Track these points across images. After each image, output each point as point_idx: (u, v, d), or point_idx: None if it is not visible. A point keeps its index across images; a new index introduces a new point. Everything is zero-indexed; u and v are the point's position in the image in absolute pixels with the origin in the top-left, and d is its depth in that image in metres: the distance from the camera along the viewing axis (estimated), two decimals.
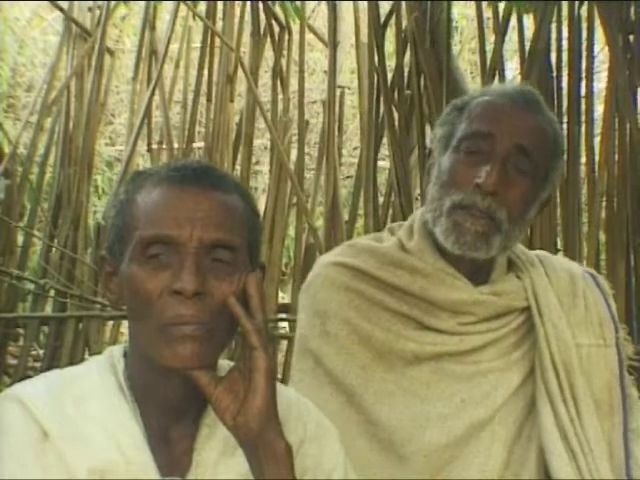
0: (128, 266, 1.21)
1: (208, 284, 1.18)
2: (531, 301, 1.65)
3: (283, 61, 4.39)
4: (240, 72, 4.25)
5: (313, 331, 1.64)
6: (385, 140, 3.80)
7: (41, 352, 4.15)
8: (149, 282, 1.19)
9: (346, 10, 4.73)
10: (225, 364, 1.30)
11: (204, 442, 1.25)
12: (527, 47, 3.53)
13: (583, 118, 3.49)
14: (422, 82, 3.62)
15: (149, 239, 1.20)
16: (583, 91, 3.52)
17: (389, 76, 3.77)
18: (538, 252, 1.79)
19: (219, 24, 4.36)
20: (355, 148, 6.40)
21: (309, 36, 4.83)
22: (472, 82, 6.34)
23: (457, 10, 5.89)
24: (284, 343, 3.99)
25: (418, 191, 3.76)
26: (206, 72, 4.32)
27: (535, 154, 1.58)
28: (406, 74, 3.72)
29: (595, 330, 1.67)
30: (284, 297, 5.03)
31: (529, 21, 3.75)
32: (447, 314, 1.62)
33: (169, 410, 1.26)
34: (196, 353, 1.18)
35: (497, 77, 3.51)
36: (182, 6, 4.42)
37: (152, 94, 4.30)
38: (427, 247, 1.63)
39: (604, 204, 3.48)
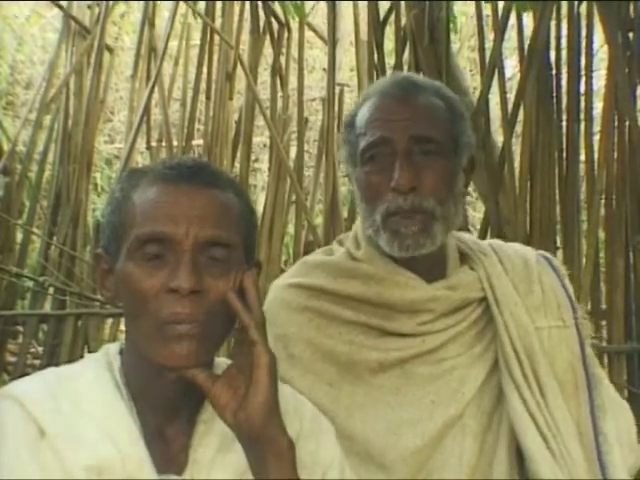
0: (124, 264, 1.21)
1: (204, 282, 1.19)
2: (487, 291, 1.66)
3: (282, 59, 4.38)
4: (239, 70, 4.24)
5: (277, 356, 1.63)
6: None
7: (40, 350, 4.15)
8: (146, 281, 1.19)
9: (345, 8, 4.72)
10: (222, 362, 1.30)
11: (200, 439, 1.25)
12: (526, 45, 3.53)
13: (582, 116, 3.49)
14: None
15: (145, 237, 1.20)
16: (582, 89, 3.52)
17: (388, 74, 3.76)
18: (491, 241, 1.80)
19: (218, 22, 4.35)
20: None
21: (308, 34, 4.82)
22: (471, 80, 6.34)
23: (456, 8, 5.87)
24: None
25: None
26: (205, 70, 4.32)
27: (433, 134, 1.58)
28: (405, 72, 3.71)
29: (553, 312, 1.68)
30: None
31: (528, 19, 3.75)
32: (406, 315, 1.62)
33: (165, 407, 1.26)
34: (192, 352, 1.18)
35: (496, 75, 3.51)
36: (181, 4, 4.41)
37: (151, 92, 4.30)
38: (375, 253, 1.64)
39: (603, 202, 3.47)
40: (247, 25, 4.33)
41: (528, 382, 1.60)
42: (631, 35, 3.47)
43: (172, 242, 1.19)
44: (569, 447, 1.58)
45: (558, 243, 3.55)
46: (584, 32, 3.53)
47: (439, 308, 1.63)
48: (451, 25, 3.70)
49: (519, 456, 1.61)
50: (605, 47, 3.88)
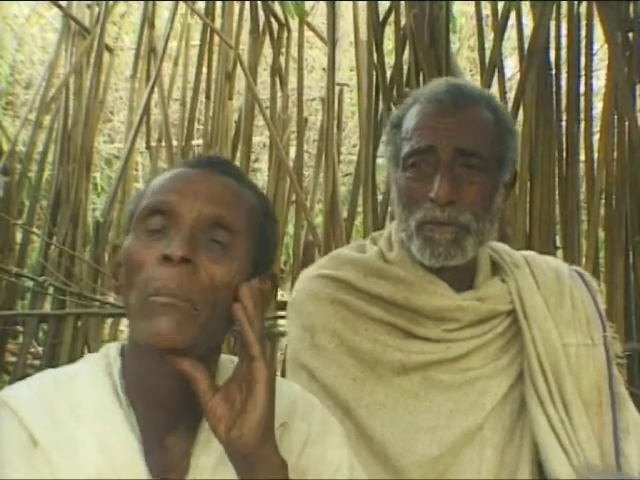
0: (129, 241, 1.19)
1: (199, 259, 1.15)
2: (516, 304, 1.64)
3: (282, 59, 4.39)
4: (239, 70, 4.25)
5: (303, 345, 1.63)
6: (384, 138, 3.79)
7: (40, 349, 4.15)
8: (143, 252, 1.16)
9: (345, 8, 4.72)
10: (227, 360, 1.27)
11: (202, 447, 1.21)
12: (526, 45, 3.53)
13: (582, 116, 3.49)
14: (421, 80, 3.62)
15: (150, 206, 1.18)
16: (582, 89, 3.52)
17: (388, 73, 3.76)
18: (525, 252, 1.78)
19: (218, 22, 4.35)
20: (354, 145, 6.39)
21: (308, 33, 4.82)
22: (471, 80, 6.33)
23: (456, 8, 5.88)
24: (283, 340, 3.99)
25: None
26: (205, 70, 4.32)
27: (479, 149, 1.56)
28: (405, 71, 3.72)
29: (583, 329, 1.66)
30: (283, 294, 5.04)
31: (528, 19, 3.75)
32: (432, 322, 1.62)
33: (166, 413, 1.22)
34: (175, 325, 1.13)
35: (496, 74, 3.51)
36: (181, 4, 4.41)
37: (151, 92, 4.30)
38: (407, 257, 1.63)
39: (603, 202, 3.48)
40: (247, 25, 4.33)
41: (553, 398, 1.58)
42: (631, 35, 3.47)
43: (175, 214, 1.17)
44: None
45: (558, 243, 3.55)
46: (584, 32, 3.53)
47: (466, 318, 1.62)
48: (450, 25, 3.70)
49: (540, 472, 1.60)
50: (605, 47, 3.89)
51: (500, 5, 3.65)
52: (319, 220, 4.51)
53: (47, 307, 4.15)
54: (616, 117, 3.43)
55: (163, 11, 4.92)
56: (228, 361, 1.26)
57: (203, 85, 4.35)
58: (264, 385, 1.13)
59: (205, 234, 1.17)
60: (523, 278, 1.67)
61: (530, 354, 1.61)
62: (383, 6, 3.83)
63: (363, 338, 1.62)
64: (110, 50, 4.65)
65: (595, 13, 3.49)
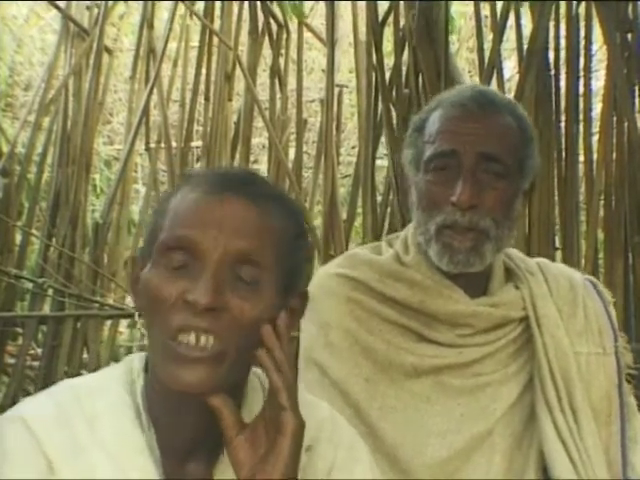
0: (149, 270, 1.12)
1: (226, 299, 1.08)
2: (529, 311, 1.64)
3: (281, 60, 4.39)
4: (238, 71, 4.25)
5: (318, 342, 1.63)
6: (383, 139, 3.80)
7: (39, 351, 4.14)
8: (165, 289, 1.09)
9: (344, 8, 4.72)
10: (253, 377, 1.21)
11: (224, 471, 1.15)
12: (525, 45, 3.53)
13: (581, 117, 3.49)
14: (420, 81, 3.62)
15: (171, 242, 1.11)
16: (581, 90, 3.53)
17: (387, 75, 3.77)
18: (539, 260, 1.78)
19: (217, 23, 4.35)
20: (353, 147, 6.39)
21: (307, 35, 4.83)
22: (470, 81, 6.33)
23: (455, 8, 5.88)
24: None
25: None
26: (204, 71, 4.32)
27: (502, 155, 1.57)
28: (404, 73, 3.72)
29: (594, 338, 1.67)
30: None
31: (527, 19, 3.75)
32: (445, 327, 1.62)
33: (188, 436, 1.17)
34: (203, 378, 1.08)
35: (495, 75, 3.51)
36: (180, 5, 4.42)
37: (150, 93, 4.30)
38: (423, 261, 1.63)
39: (602, 203, 3.48)
40: (246, 26, 4.33)
41: (562, 406, 1.59)
42: (629, 36, 3.47)
43: (198, 251, 1.09)
44: (598, 475, 1.56)
45: (557, 244, 3.55)
46: (583, 33, 3.53)
47: (479, 324, 1.62)
48: (449, 26, 3.70)
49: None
50: (604, 48, 3.89)
51: (499, 6, 3.65)
52: (318, 221, 4.51)
53: (46, 309, 4.15)
54: (615, 118, 3.43)
55: (162, 12, 4.92)
56: (255, 377, 1.20)
57: (202, 86, 4.35)
58: (289, 439, 1.08)
59: (231, 270, 1.10)
60: (537, 285, 1.67)
61: (541, 361, 1.61)
62: (382, 7, 3.84)
63: (377, 339, 1.62)
64: (109, 51, 4.65)
65: (594, 14, 3.50)
